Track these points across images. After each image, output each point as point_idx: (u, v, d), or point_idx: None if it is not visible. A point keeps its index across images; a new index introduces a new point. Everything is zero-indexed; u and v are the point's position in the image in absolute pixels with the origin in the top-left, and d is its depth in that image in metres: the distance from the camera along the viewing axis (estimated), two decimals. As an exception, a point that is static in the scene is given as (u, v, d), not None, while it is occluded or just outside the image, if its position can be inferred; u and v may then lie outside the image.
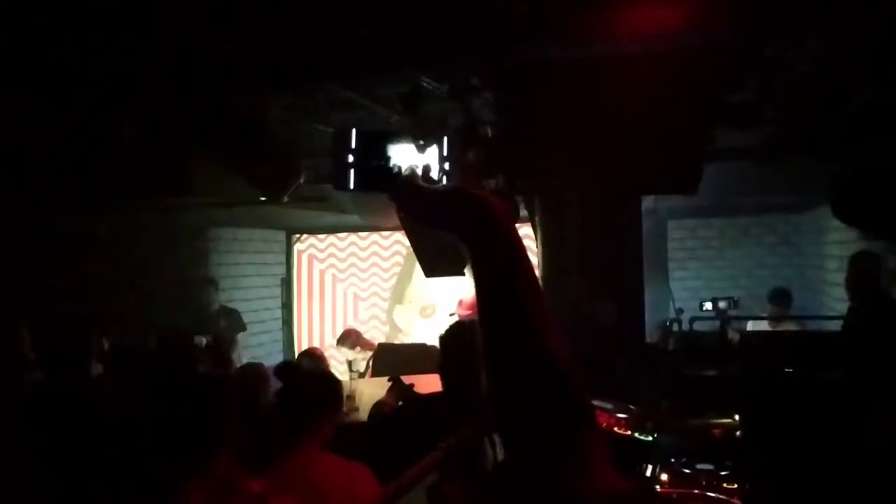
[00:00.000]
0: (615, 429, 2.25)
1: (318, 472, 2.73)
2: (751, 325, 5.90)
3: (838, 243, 7.91)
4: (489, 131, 4.63)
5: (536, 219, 4.66)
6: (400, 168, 1.18)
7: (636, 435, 2.23)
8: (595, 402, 2.44)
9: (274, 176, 4.99)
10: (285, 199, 5.14)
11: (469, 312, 6.57)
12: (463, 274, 3.98)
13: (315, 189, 6.69)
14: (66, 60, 3.95)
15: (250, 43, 4.02)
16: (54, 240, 6.61)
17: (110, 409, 3.51)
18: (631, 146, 4.06)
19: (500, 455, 2.60)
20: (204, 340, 6.03)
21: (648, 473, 2.27)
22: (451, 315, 6.71)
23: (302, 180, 5.13)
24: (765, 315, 6.29)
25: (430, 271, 4.37)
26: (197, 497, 2.46)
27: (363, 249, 9.63)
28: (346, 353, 7.05)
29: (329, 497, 2.59)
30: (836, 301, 7.69)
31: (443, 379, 3.35)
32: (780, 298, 6.55)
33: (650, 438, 2.24)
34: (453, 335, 3.42)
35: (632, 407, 2.42)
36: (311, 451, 2.84)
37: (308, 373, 3.25)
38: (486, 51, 3.83)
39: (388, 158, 1.19)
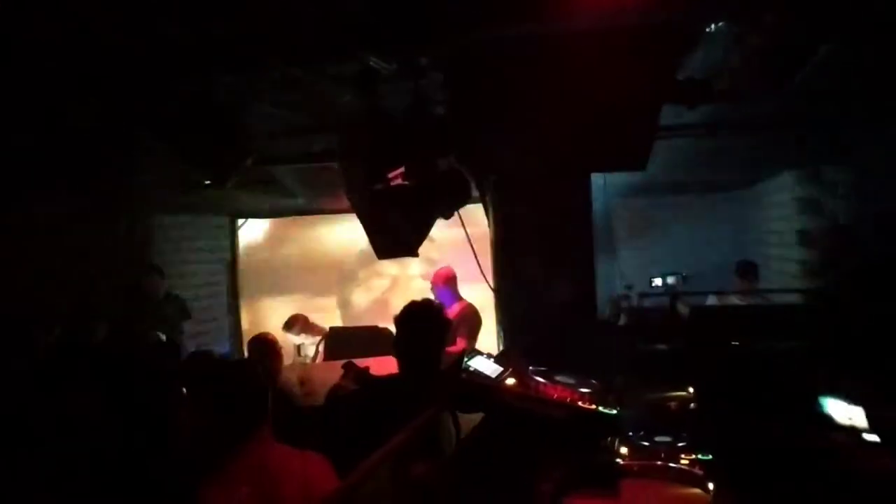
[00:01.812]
0: (579, 403, 2.26)
1: (271, 465, 2.64)
2: (712, 301, 5.97)
3: (780, 219, 8.10)
4: (439, 111, 4.60)
5: (487, 198, 4.66)
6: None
7: (601, 409, 2.25)
8: (557, 378, 2.46)
9: (219, 159, 4.87)
10: (230, 183, 5.03)
11: (441, 284, 6.54)
12: (416, 254, 3.97)
13: (260, 172, 6.58)
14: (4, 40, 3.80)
15: (194, 25, 3.91)
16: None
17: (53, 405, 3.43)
18: (580, 124, 4.07)
19: (461, 434, 2.61)
20: (161, 336, 5.93)
21: (614, 447, 2.29)
22: (423, 278, 6.68)
23: (248, 163, 5.02)
24: (727, 290, 6.38)
25: (382, 253, 4.35)
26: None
27: (310, 233, 9.52)
28: (294, 338, 6.97)
29: (281, 488, 2.53)
30: (778, 275, 7.90)
31: (398, 359, 3.33)
32: (747, 271, 6.64)
33: (615, 412, 2.25)
34: (408, 314, 3.41)
35: (593, 381, 2.43)
36: (261, 444, 2.73)
37: (246, 366, 3.14)
38: (435, 30, 3.79)
39: None
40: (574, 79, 4.04)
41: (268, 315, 9.12)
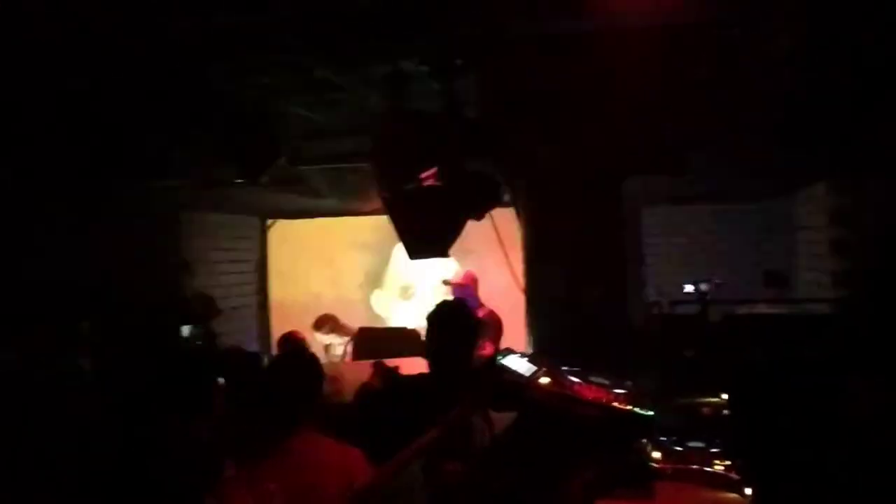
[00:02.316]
0: (614, 403, 2.24)
1: (313, 456, 2.68)
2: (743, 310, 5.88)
3: (812, 229, 7.99)
4: (471, 112, 4.59)
5: (519, 201, 4.64)
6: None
7: (635, 410, 2.22)
8: (591, 378, 2.44)
9: (251, 156, 4.91)
10: (262, 180, 5.06)
11: (461, 285, 6.50)
12: (447, 255, 3.97)
13: (291, 172, 6.61)
14: (41, 35, 3.85)
15: (222, 18, 3.93)
16: (23, 224, 6.47)
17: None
18: (616, 127, 4.05)
19: (493, 433, 2.59)
20: (192, 330, 5.98)
21: (648, 449, 2.26)
22: (445, 283, 6.64)
23: (280, 162, 5.05)
24: (757, 299, 6.29)
25: (414, 253, 4.37)
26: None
27: (339, 234, 9.53)
28: (323, 338, 6.99)
29: (324, 480, 2.55)
30: (810, 286, 7.78)
31: (429, 359, 3.31)
32: (776, 280, 6.55)
33: (649, 413, 2.23)
34: (440, 314, 3.39)
35: (628, 383, 2.41)
36: (305, 436, 2.78)
37: (296, 359, 3.19)
38: (473, 25, 3.79)
39: None
40: (610, 81, 4.02)
41: (297, 315, 9.14)
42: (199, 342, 5.78)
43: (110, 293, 6.77)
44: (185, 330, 6.10)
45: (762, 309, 5.98)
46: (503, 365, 2.38)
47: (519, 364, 2.40)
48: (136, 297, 7.28)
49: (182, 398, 3.46)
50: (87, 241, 6.94)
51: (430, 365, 3.30)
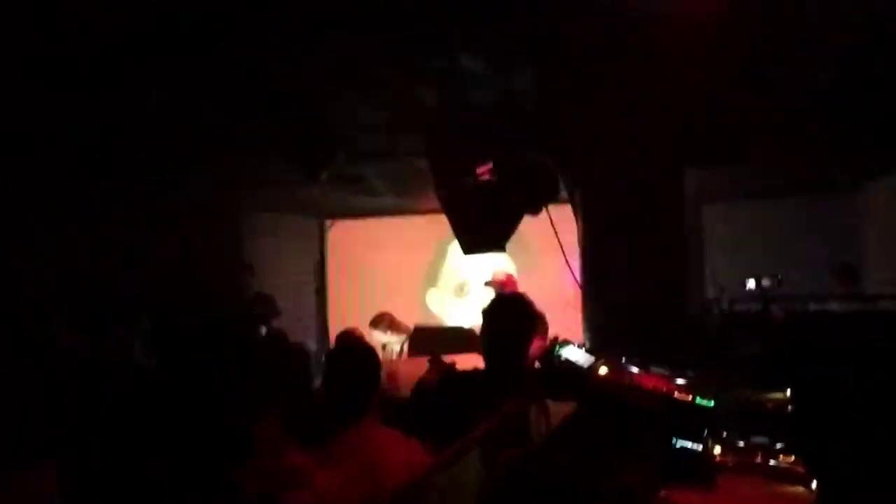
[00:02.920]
0: (675, 394, 2.19)
1: (374, 445, 2.72)
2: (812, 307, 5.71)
3: (883, 223, 7.75)
4: (527, 106, 4.56)
5: (576, 194, 4.59)
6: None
7: (697, 400, 2.17)
8: (652, 369, 2.39)
9: (311, 154, 4.96)
10: (322, 178, 5.12)
11: (503, 283, 6.49)
12: (503, 249, 3.96)
13: (349, 172, 6.67)
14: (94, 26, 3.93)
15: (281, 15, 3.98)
16: (90, 221, 6.65)
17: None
18: (675, 118, 3.98)
19: (551, 424, 2.56)
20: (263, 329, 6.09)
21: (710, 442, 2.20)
22: (487, 284, 6.64)
23: (339, 158, 5.10)
24: (824, 294, 6.11)
25: (469, 248, 4.36)
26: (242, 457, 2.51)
27: (396, 233, 9.59)
28: (380, 336, 7.02)
29: (383, 469, 2.57)
30: (880, 285, 7.54)
31: (485, 352, 3.30)
32: (846, 274, 6.37)
33: (711, 404, 2.17)
34: (496, 308, 3.38)
35: (689, 373, 2.35)
36: (368, 426, 2.84)
37: (361, 351, 3.23)
38: (530, 17, 3.77)
39: None
40: (667, 72, 3.95)
41: (355, 314, 9.22)
42: (263, 340, 5.87)
43: (172, 292, 6.93)
44: (249, 328, 6.20)
45: (830, 306, 5.82)
46: (561, 355, 2.35)
47: (577, 354, 2.37)
48: (198, 296, 7.44)
49: (246, 395, 3.53)
50: (150, 239, 7.11)
51: (486, 359, 3.29)
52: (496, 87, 4.44)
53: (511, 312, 3.31)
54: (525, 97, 4.59)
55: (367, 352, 3.18)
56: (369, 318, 7.34)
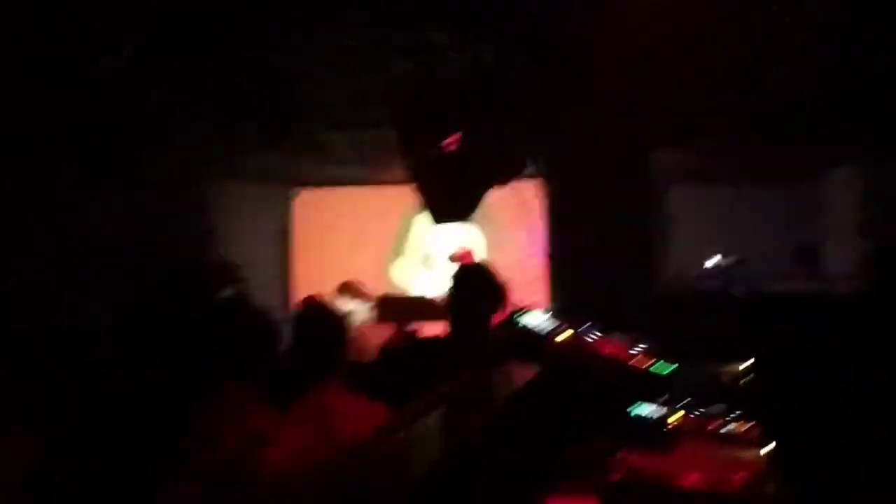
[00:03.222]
0: (633, 361, 2.24)
1: (338, 408, 2.73)
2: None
3: (844, 211, 7.87)
4: (496, 79, 4.56)
5: (543, 166, 4.62)
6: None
7: (655, 367, 2.22)
8: (613, 336, 2.43)
9: (274, 119, 4.92)
10: (284, 144, 5.07)
11: (463, 259, 6.52)
12: (470, 220, 3.98)
13: (315, 138, 6.61)
14: None
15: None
16: (43, 185, 6.54)
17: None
18: (644, 96, 4.01)
19: (512, 389, 2.60)
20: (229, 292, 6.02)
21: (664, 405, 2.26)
22: (450, 259, 6.66)
23: (302, 124, 5.06)
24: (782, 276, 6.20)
25: (438, 218, 4.38)
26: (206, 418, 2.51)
27: (362, 203, 9.55)
28: (345, 304, 7.01)
29: (347, 431, 2.58)
30: (841, 266, 7.67)
31: (450, 318, 3.32)
32: (806, 257, 6.46)
33: (668, 371, 2.22)
34: (462, 275, 3.40)
35: (648, 342, 2.40)
36: (332, 390, 2.84)
37: (327, 314, 3.23)
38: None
39: None
40: (637, 52, 3.98)
41: (320, 285, 9.22)
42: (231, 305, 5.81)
43: (133, 262, 6.83)
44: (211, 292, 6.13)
45: (789, 286, 5.92)
46: (520, 322, 2.38)
47: (539, 320, 2.40)
48: (160, 263, 7.34)
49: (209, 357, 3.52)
50: (108, 209, 7.00)
51: (451, 324, 3.31)
52: (465, 60, 4.42)
53: (476, 279, 3.33)
54: (493, 71, 4.58)
55: (334, 315, 3.18)
56: (334, 286, 7.32)
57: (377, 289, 7.85)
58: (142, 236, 7.21)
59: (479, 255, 6.63)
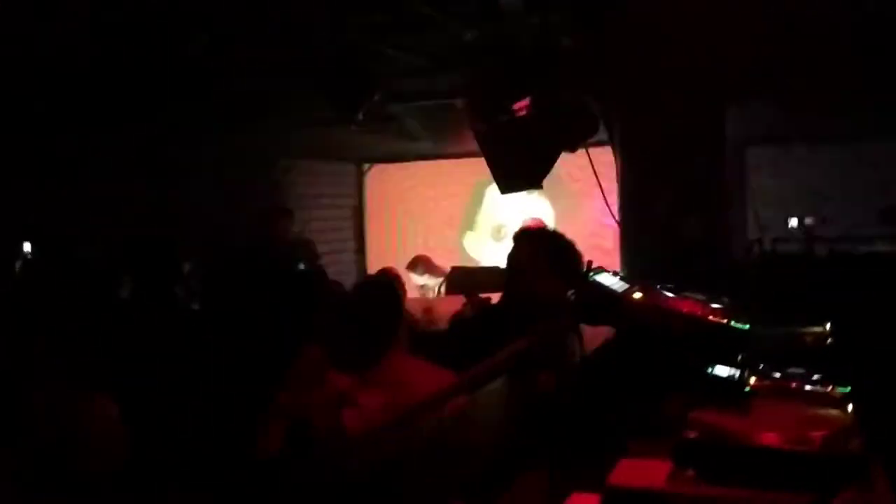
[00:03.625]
0: (710, 317, 2.18)
1: (407, 373, 2.79)
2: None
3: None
4: (565, 41, 4.49)
5: (614, 131, 4.53)
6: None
7: (732, 323, 2.16)
8: (687, 294, 2.38)
9: (347, 94, 4.96)
10: (360, 117, 5.11)
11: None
12: (540, 186, 3.94)
13: (385, 112, 6.65)
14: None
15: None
16: (127, 165, 6.74)
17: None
18: (714, 52, 3.89)
19: (585, 348, 2.58)
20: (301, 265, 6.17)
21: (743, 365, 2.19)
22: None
23: (376, 98, 5.08)
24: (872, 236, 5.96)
25: (506, 187, 4.35)
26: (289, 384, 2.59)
27: (433, 177, 9.58)
28: (417, 279, 7.08)
29: (417, 394, 2.62)
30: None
31: (516, 282, 3.32)
32: (892, 216, 6.20)
33: (746, 327, 2.16)
34: (526, 233, 3.41)
35: (725, 300, 2.34)
36: (397, 356, 2.91)
37: (379, 284, 3.30)
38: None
39: None
40: (707, 7, 3.86)
41: (393, 259, 9.32)
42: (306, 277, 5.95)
43: (212, 236, 7.01)
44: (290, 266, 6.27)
45: (876, 247, 5.71)
46: (596, 280, 2.34)
47: (611, 280, 2.36)
48: (239, 240, 7.53)
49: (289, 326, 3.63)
50: (188, 185, 7.19)
51: (516, 286, 3.30)
52: (533, 25, 4.36)
53: (541, 238, 3.33)
54: (564, 34, 4.51)
55: (385, 284, 3.25)
56: (407, 261, 7.39)
57: (449, 262, 7.90)
58: (225, 211, 7.41)
59: (550, 225, 6.60)
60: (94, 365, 3.35)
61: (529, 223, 6.52)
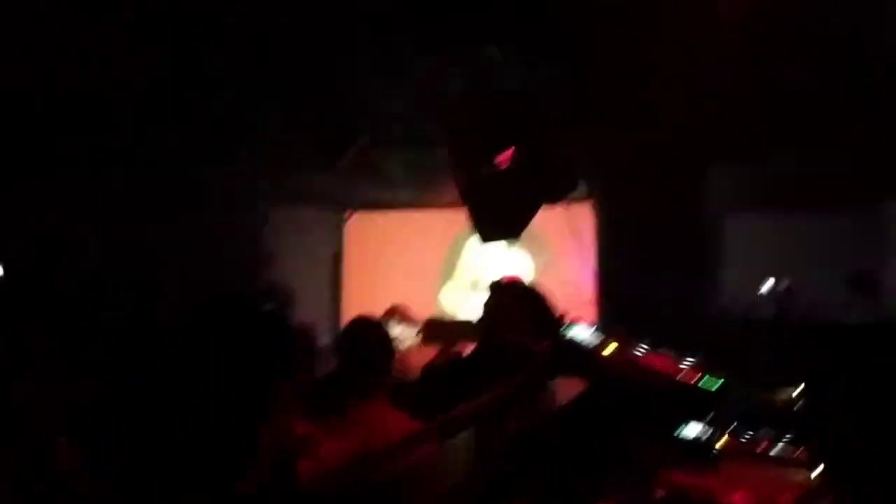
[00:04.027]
0: (682, 375, 2.19)
1: (380, 424, 2.73)
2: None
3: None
4: (550, 97, 4.56)
5: (595, 187, 4.59)
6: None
7: (704, 382, 2.16)
8: (660, 351, 2.38)
9: (331, 137, 4.98)
10: (341, 163, 5.12)
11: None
12: (518, 237, 3.95)
13: (369, 158, 6.67)
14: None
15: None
16: (103, 203, 6.69)
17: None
18: (699, 113, 3.97)
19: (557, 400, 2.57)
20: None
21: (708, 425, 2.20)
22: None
23: (362, 142, 5.11)
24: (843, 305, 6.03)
25: (485, 237, 4.36)
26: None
27: (413, 227, 9.58)
28: (392, 329, 7.01)
29: (386, 444, 2.58)
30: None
31: (491, 334, 3.32)
32: (862, 284, 6.28)
33: (717, 386, 2.17)
34: (499, 287, 3.41)
35: (697, 358, 2.35)
36: (375, 405, 2.85)
37: (375, 329, 3.24)
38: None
39: None
40: (695, 71, 3.94)
41: (369, 308, 9.28)
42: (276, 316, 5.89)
43: (186, 279, 6.94)
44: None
45: (847, 315, 5.77)
46: (569, 333, 2.35)
47: (585, 334, 2.37)
48: (211, 283, 7.45)
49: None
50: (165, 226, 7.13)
51: (492, 341, 3.30)
52: (520, 76, 4.43)
53: (517, 292, 3.34)
54: (548, 88, 4.58)
55: (380, 331, 3.19)
56: (383, 311, 7.34)
57: (425, 313, 7.85)
58: (199, 256, 7.33)
59: (528, 279, 6.60)
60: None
61: (507, 279, 6.52)
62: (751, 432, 2.62)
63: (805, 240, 8.87)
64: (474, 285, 9.26)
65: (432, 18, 4.08)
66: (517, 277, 5.77)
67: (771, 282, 5.24)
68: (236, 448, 2.67)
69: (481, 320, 3.30)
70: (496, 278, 6.01)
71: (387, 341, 3.15)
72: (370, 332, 3.18)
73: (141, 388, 3.31)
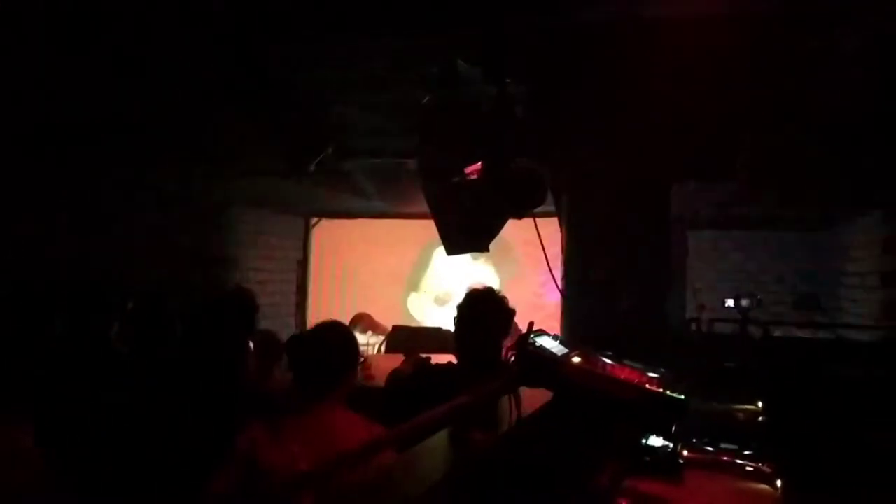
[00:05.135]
0: (647, 386, 2.19)
1: (337, 426, 2.71)
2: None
3: (860, 260, 7.84)
4: (520, 110, 4.58)
5: (562, 200, 4.62)
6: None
7: (668, 393, 2.17)
8: (625, 362, 2.40)
9: (302, 144, 4.96)
10: (311, 169, 5.10)
11: None
12: (486, 250, 3.95)
13: (338, 168, 6.66)
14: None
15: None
16: (74, 207, 6.61)
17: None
18: (664, 129, 4.01)
19: (522, 410, 2.57)
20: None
21: (673, 435, 2.22)
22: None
23: (328, 152, 5.09)
24: (790, 322, 6.23)
25: (452, 248, 4.36)
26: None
27: (381, 235, 9.60)
28: (359, 337, 7.01)
29: (344, 448, 2.55)
30: (856, 318, 7.63)
31: (458, 344, 3.33)
32: (807, 303, 6.46)
33: (682, 397, 2.18)
34: (470, 301, 3.42)
35: (661, 370, 2.36)
36: (331, 407, 2.82)
37: (334, 331, 3.20)
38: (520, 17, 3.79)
39: None
40: (660, 81, 3.98)
41: (335, 314, 9.25)
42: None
43: (153, 281, 6.86)
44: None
45: (800, 332, 5.92)
46: (536, 342, 2.35)
47: (551, 344, 2.37)
48: (178, 287, 7.37)
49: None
50: (133, 227, 7.06)
51: (459, 351, 3.31)
52: (489, 91, 4.44)
53: (484, 305, 3.35)
54: (517, 102, 4.60)
55: (344, 331, 3.15)
56: (349, 318, 7.33)
57: (391, 321, 7.85)
58: (166, 258, 7.27)
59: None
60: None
61: (477, 286, 6.55)
62: (714, 445, 2.65)
63: (765, 257, 9.13)
64: (440, 298, 9.30)
65: (403, 33, 4.08)
66: (490, 287, 5.81)
67: (734, 297, 5.32)
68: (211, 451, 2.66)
69: (456, 328, 3.31)
70: (464, 291, 6.04)
71: (349, 344, 3.11)
72: (329, 333, 3.14)
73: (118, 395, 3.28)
